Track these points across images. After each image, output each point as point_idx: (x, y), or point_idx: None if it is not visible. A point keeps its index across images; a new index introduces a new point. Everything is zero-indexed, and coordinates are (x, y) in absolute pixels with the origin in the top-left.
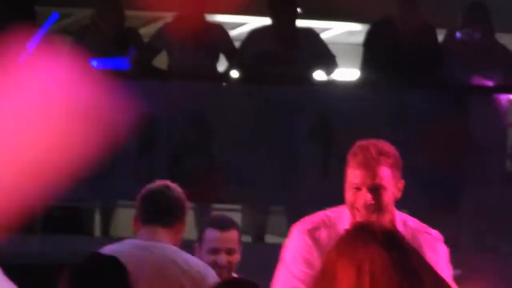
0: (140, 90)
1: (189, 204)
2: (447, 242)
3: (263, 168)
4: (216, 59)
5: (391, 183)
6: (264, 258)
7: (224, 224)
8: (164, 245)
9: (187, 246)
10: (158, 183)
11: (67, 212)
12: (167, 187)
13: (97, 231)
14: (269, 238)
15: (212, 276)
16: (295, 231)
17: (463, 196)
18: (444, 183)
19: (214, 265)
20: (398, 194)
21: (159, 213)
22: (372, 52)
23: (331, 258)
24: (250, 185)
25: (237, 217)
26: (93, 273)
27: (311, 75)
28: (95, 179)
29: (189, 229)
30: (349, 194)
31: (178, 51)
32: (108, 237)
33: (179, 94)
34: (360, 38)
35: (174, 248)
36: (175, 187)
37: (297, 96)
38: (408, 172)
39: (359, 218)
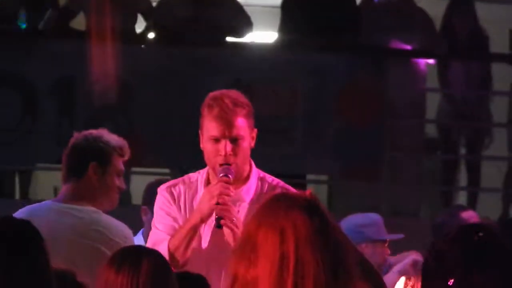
0: (60, 52)
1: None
2: (368, 208)
3: (181, 132)
4: (134, 20)
5: (247, 132)
6: None
7: None
8: (85, 208)
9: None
10: (86, 132)
11: None
12: (86, 138)
13: (17, 194)
14: None
15: (136, 241)
16: (158, 190)
17: (382, 162)
18: (362, 148)
19: None
20: (253, 143)
21: (76, 169)
22: (290, 14)
23: (251, 226)
24: (168, 149)
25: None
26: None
27: (227, 36)
28: (14, 141)
29: None
30: (208, 147)
31: (95, 12)
32: (28, 200)
33: (98, 56)
34: (278, 0)
35: (95, 210)
36: (97, 135)
37: (214, 58)
38: (325, 136)
39: (219, 170)
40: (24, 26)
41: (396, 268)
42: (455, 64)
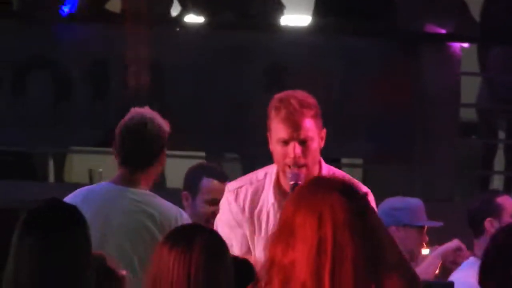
0: (94, 35)
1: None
2: (402, 192)
3: (216, 115)
4: (170, 3)
5: (316, 133)
6: None
7: (223, 176)
8: (137, 191)
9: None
10: (137, 114)
11: (20, 158)
12: (145, 123)
13: (51, 177)
14: None
15: (187, 220)
16: (225, 188)
17: (415, 146)
18: (395, 132)
19: (213, 215)
20: (322, 143)
21: (135, 155)
22: None
23: (288, 210)
24: (203, 132)
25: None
26: (48, 220)
27: (264, 20)
28: (48, 124)
29: None
30: (277, 149)
31: None
32: (62, 183)
33: (132, 39)
34: None
35: (149, 193)
36: (154, 120)
37: (249, 41)
38: (359, 120)
39: (288, 173)
40: (67, 11)
41: (438, 251)
42: (493, 48)
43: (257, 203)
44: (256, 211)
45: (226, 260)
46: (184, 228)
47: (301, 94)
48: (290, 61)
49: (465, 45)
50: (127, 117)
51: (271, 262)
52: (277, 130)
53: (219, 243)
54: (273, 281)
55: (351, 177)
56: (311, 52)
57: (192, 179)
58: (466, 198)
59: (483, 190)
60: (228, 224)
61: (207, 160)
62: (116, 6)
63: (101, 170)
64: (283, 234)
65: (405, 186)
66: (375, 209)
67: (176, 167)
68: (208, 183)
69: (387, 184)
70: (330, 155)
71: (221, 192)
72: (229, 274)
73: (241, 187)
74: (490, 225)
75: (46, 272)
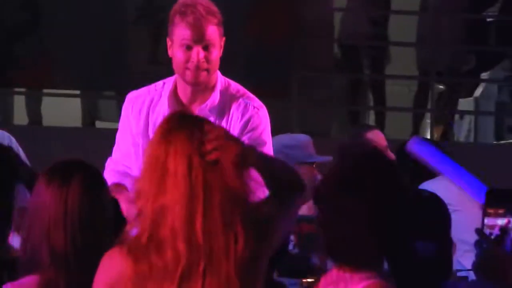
0: None
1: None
2: (280, 128)
3: (94, 51)
4: None
5: (218, 41)
6: (95, 143)
7: None
8: None
9: None
10: None
11: None
12: None
13: None
14: (100, 124)
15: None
16: (125, 97)
17: (292, 81)
18: (273, 67)
19: None
20: (221, 52)
21: None
22: None
23: (159, 148)
24: (81, 69)
25: (72, 102)
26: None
27: None
28: None
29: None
30: (179, 54)
31: None
32: None
33: None
34: None
35: None
36: None
37: None
38: (236, 55)
39: (189, 78)
40: None
41: None
42: None
43: (153, 111)
44: (151, 120)
45: (103, 197)
46: (62, 163)
47: (205, 1)
48: None
49: None
50: None
51: (140, 207)
52: (182, 34)
53: (97, 180)
54: (141, 226)
55: (246, 90)
56: None
57: None
58: (342, 133)
59: (356, 123)
60: (126, 130)
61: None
62: None
63: None
64: (154, 176)
65: (283, 121)
66: (263, 124)
67: (52, 104)
68: None
69: None
70: None
71: None
72: (107, 211)
73: (139, 95)
74: None
75: None
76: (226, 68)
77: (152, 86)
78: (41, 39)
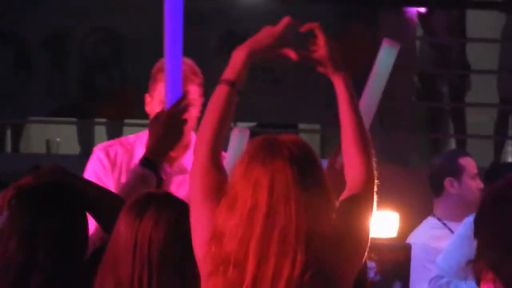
0: (51, 5)
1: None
2: None
3: None
4: None
5: (198, 100)
6: None
7: None
8: None
9: None
10: None
11: None
12: None
13: (8, 147)
14: None
15: None
16: (93, 150)
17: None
18: None
19: None
20: (198, 112)
21: None
22: None
23: (234, 175)
24: None
25: None
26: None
27: None
28: (6, 95)
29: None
30: (159, 110)
31: None
32: (19, 154)
33: (90, 8)
34: None
35: None
36: None
37: (206, 8)
38: (317, 86)
39: None
40: None
41: None
42: (437, 12)
43: (128, 164)
44: (126, 172)
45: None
46: (141, 195)
47: (189, 61)
48: (248, 28)
49: (421, 9)
50: None
51: (213, 230)
52: (162, 91)
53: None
54: (210, 249)
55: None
56: (267, 19)
57: None
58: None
59: (436, 153)
60: (97, 174)
61: None
62: None
63: (58, 140)
64: (226, 200)
65: None
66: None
67: None
68: None
69: None
70: (288, 121)
71: None
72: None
73: (111, 146)
74: (450, 185)
75: None
76: (308, 98)
77: (124, 139)
78: (123, 71)
